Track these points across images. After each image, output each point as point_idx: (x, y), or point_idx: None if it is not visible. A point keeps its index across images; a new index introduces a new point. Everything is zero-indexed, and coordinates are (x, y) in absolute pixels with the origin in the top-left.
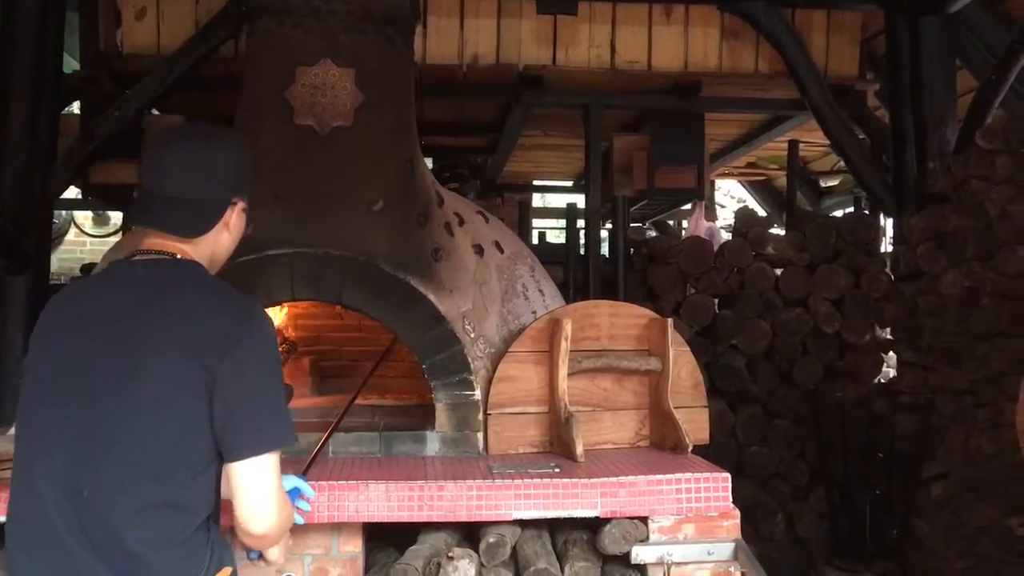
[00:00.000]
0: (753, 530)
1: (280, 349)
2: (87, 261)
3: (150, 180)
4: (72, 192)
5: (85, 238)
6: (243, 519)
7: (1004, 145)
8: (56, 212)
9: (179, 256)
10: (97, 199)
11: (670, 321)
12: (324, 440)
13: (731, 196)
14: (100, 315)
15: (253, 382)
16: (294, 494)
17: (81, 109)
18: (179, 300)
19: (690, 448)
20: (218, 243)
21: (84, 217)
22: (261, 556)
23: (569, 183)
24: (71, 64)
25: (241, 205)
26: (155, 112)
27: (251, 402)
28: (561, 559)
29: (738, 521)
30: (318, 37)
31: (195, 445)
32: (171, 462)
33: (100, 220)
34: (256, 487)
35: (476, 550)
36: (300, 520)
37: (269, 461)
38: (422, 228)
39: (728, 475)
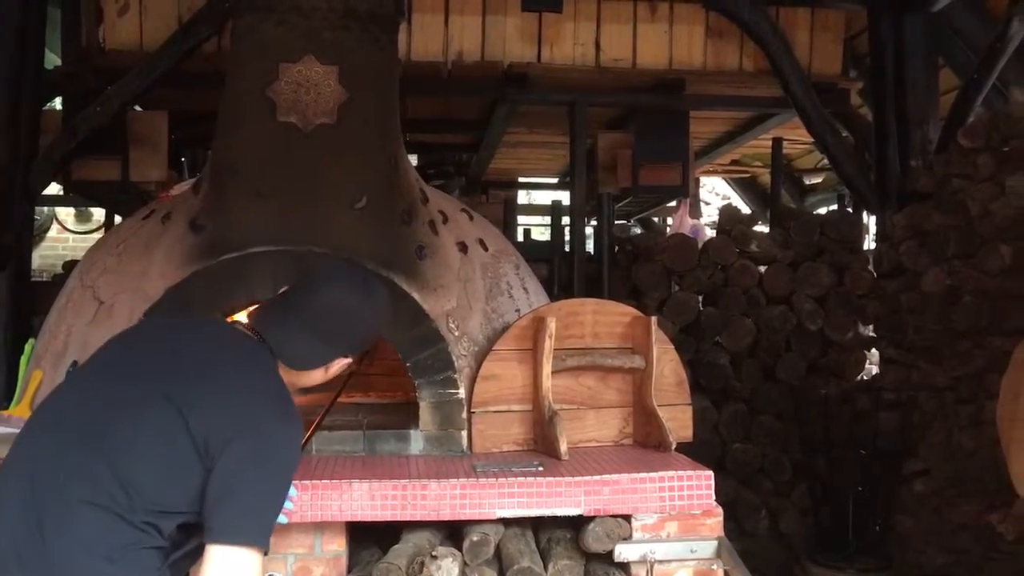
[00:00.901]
0: (736, 526)
1: None
2: (69, 258)
3: (301, 312)
4: (54, 188)
5: (67, 234)
6: None
7: (986, 144)
8: (38, 208)
9: (267, 346)
10: (79, 195)
11: (654, 319)
12: (307, 438)
13: (716, 193)
14: (161, 349)
15: (265, 476)
16: None
17: (63, 105)
18: (236, 372)
19: (673, 446)
20: (310, 379)
21: (66, 214)
22: None
23: (554, 180)
24: (53, 60)
25: (348, 360)
26: (138, 108)
27: (255, 492)
28: (545, 557)
29: (721, 519)
30: (301, 34)
31: (173, 488)
32: (145, 485)
33: (82, 216)
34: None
35: (460, 549)
36: (284, 520)
37: (254, 559)
38: (406, 226)
39: (711, 473)
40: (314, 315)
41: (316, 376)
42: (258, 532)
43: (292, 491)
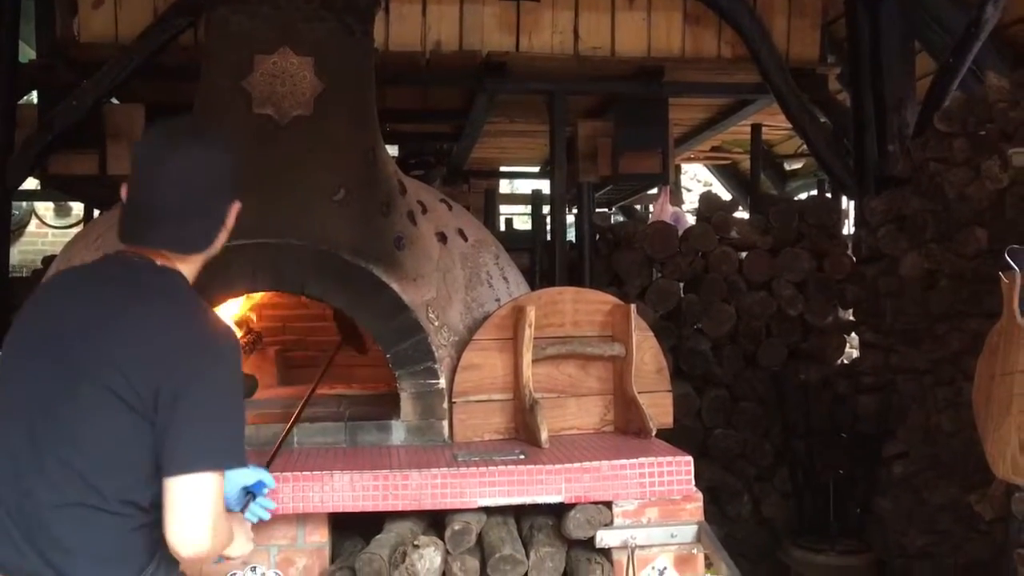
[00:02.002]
0: (719, 511)
1: (244, 340)
2: (48, 253)
3: (143, 196)
4: (31, 183)
5: (46, 229)
6: (172, 540)
7: (962, 128)
8: (16, 204)
9: (160, 263)
10: (56, 190)
11: (633, 307)
12: (287, 430)
13: (697, 180)
14: (67, 315)
15: (201, 400)
16: (258, 488)
17: (39, 99)
18: (144, 314)
19: (654, 432)
20: (216, 245)
21: (45, 208)
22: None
23: (536, 169)
24: (27, 53)
25: (237, 204)
26: (114, 101)
27: (195, 420)
28: (527, 545)
29: (701, 504)
30: (276, 25)
31: (132, 459)
32: (104, 469)
33: (61, 211)
34: (188, 508)
35: (442, 538)
36: (266, 516)
37: (207, 481)
38: (384, 217)
39: (690, 458)
40: (174, 199)
41: (222, 239)
42: (208, 455)
43: (271, 482)
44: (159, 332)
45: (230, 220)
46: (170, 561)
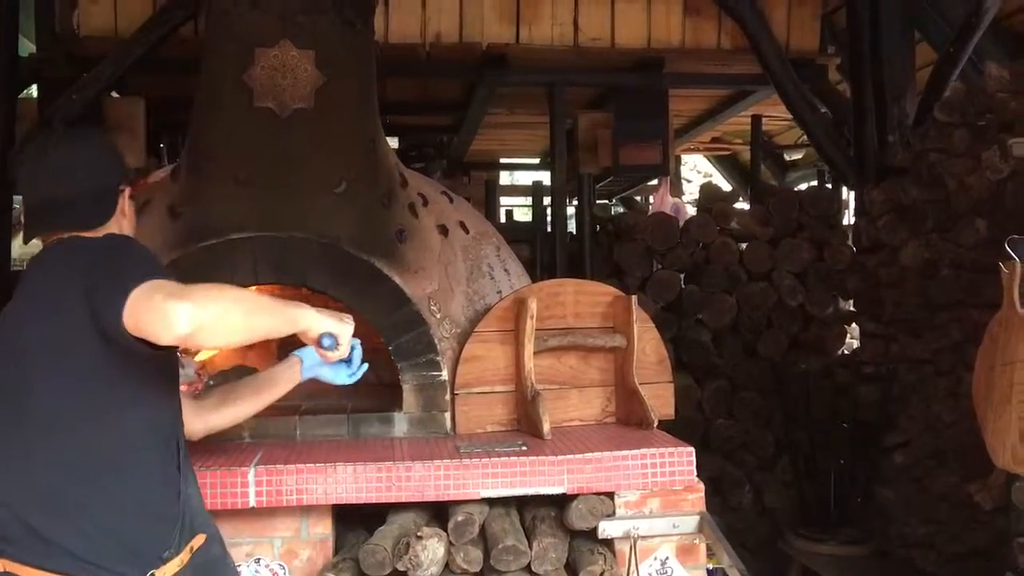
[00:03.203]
0: (721, 501)
1: None
2: None
3: (35, 191)
4: None
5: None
6: (160, 332)
7: (962, 118)
8: (16, 198)
9: (67, 236)
10: None
11: (634, 298)
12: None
13: (698, 171)
14: (7, 321)
15: (108, 265)
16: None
17: (39, 93)
18: (45, 275)
19: (655, 423)
20: (121, 231)
21: None
22: (336, 343)
23: (536, 160)
24: (27, 47)
25: (128, 192)
26: (114, 95)
27: (109, 275)
28: (529, 536)
29: (703, 494)
30: (276, 18)
31: (103, 400)
32: (91, 442)
33: None
34: (145, 308)
35: (445, 529)
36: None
37: (147, 286)
38: (386, 209)
39: (692, 449)
40: (61, 186)
41: (124, 226)
42: (132, 280)
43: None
44: (64, 270)
45: (123, 204)
46: (193, 515)
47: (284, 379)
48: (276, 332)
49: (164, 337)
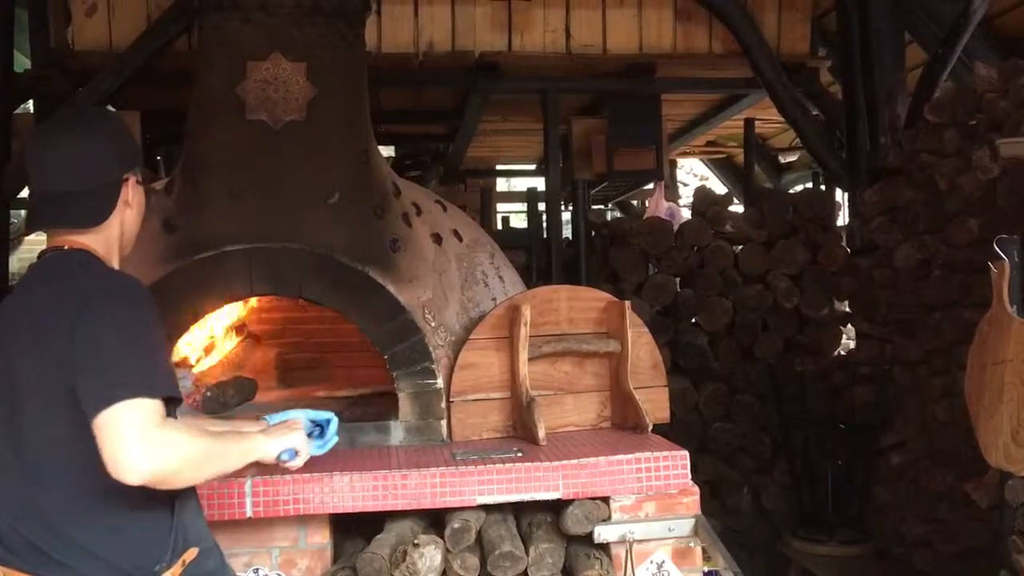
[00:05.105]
0: (719, 504)
1: (241, 343)
2: None
3: (36, 181)
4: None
5: (44, 237)
6: (114, 474)
7: (952, 118)
8: (14, 212)
9: (68, 247)
10: None
11: (628, 303)
12: None
13: (693, 174)
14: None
15: (99, 340)
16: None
17: (35, 108)
18: (43, 297)
19: (650, 427)
20: (124, 222)
21: None
22: (295, 453)
23: (532, 167)
24: (22, 63)
25: (135, 178)
26: (110, 108)
27: (99, 354)
28: (526, 541)
29: (698, 497)
30: (268, 32)
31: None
32: (87, 460)
33: None
34: (112, 439)
35: (442, 536)
36: (324, 449)
37: (125, 411)
38: (379, 219)
39: (686, 452)
40: (60, 178)
41: (129, 217)
42: (137, 380)
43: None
44: (53, 308)
45: (128, 194)
46: (186, 529)
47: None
48: (236, 469)
49: (115, 475)
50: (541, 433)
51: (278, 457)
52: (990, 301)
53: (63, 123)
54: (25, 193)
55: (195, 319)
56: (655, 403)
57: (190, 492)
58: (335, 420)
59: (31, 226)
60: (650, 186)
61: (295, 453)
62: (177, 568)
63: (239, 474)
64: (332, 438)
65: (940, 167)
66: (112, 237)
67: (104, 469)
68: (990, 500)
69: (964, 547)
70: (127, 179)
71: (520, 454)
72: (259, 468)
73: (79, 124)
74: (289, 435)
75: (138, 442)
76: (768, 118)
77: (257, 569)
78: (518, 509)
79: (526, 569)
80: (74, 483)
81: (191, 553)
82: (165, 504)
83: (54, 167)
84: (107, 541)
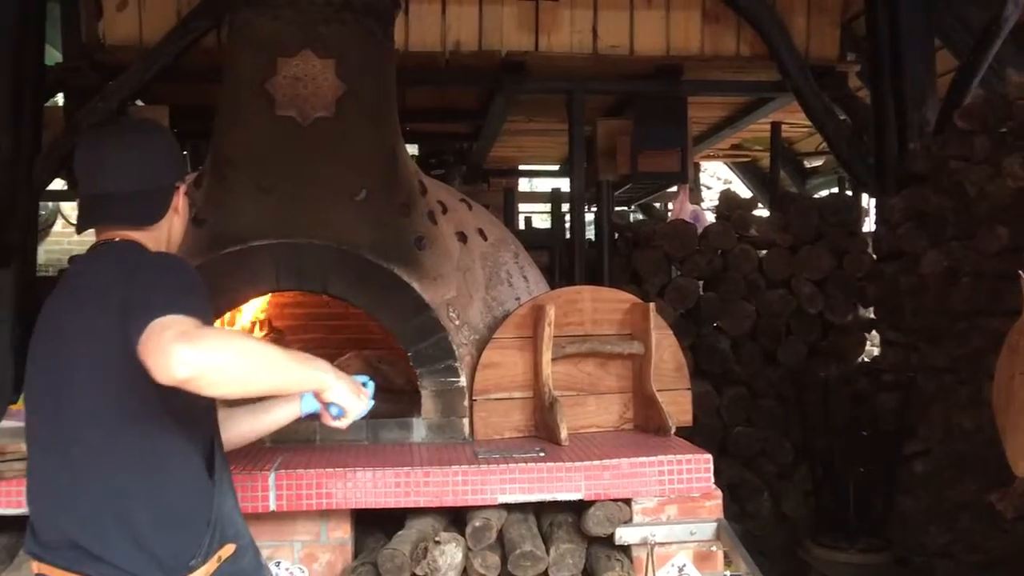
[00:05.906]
0: (739, 509)
1: (265, 337)
2: (74, 252)
3: (92, 182)
4: (58, 184)
5: (72, 229)
6: (163, 375)
7: (982, 125)
8: (42, 204)
9: (120, 240)
10: None
11: (652, 305)
12: None
13: (717, 178)
14: (51, 315)
15: (147, 294)
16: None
17: (65, 101)
18: (97, 269)
19: (673, 430)
20: (172, 228)
21: (71, 208)
22: (343, 414)
23: (555, 167)
24: (54, 56)
25: (183, 188)
26: (139, 103)
27: (144, 306)
28: (547, 541)
29: (720, 501)
30: (298, 28)
31: (144, 423)
32: (126, 452)
33: None
34: (156, 342)
35: (463, 534)
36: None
37: (167, 317)
38: (405, 217)
39: (710, 456)
40: (118, 179)
41: (176, 223)
42: (174, 301)
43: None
44: (104, 282)
45: (177, 201)
46: (225, 524)
47: (284, 410)
48: (289, 389)
49: (160, 378)
50: (563, 433)
51: (328, 407)
52: (1019, 310)
53: (122, 128)
54: (55, 184)
55: (220, 313)
56: (678, 406)
57: (228, 486)
58: (372, 383)
59: (86, 223)
60: (673, 189)
61: (343, 414)
62: (212, 564)
63: (263, 467)
64: (370, 402)
65: (969, 174)
66: (161, 239)
67: (147, 459)
68: (1015, 511)
69: (987, 558)
70: (178, 187)
71: (542, 454)
72: (283, 462)
73: (139, 130)
74: (356, 398)
75: (183, 336)
76: (794, 122)
77: (279, 562)
78: (539, 509)
79: (546, 569)
80: (116, 474)
81: (228, 549)
82: (206, 495)
83: (117, 168)
84: (146, 533)
